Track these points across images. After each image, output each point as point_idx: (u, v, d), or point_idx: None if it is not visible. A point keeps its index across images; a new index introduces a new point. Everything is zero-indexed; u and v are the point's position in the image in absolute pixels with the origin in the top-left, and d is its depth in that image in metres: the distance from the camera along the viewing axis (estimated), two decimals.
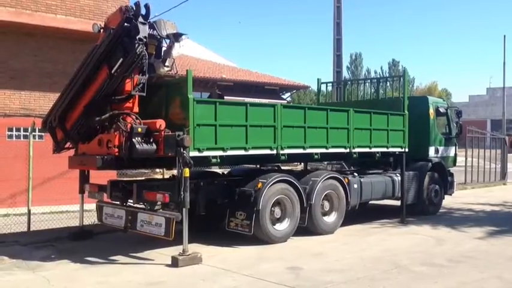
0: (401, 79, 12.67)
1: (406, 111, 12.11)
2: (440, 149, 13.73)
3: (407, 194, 12.25)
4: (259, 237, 9.13)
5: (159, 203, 8.22)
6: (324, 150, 10.22)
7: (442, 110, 13.81)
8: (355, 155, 10.92)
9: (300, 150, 9.80)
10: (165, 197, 7.84)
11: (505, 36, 48.00)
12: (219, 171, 11.96)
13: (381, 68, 76.15)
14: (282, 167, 11.46)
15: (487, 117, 60.75)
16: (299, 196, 9.65)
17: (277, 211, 9.41)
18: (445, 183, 13.67)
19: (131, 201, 8.63)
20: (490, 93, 66.36)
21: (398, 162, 12.28)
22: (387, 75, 66.28)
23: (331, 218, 10.44)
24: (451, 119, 14.18)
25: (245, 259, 8.15)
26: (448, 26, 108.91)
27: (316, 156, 10.17)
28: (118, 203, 8.89)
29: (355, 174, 11.38)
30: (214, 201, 9.29)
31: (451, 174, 14.13)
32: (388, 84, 13.62)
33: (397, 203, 12.30)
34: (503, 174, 23.01)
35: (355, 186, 10.96)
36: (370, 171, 12.11)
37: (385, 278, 7.04)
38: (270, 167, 10.98)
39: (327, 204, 10.37)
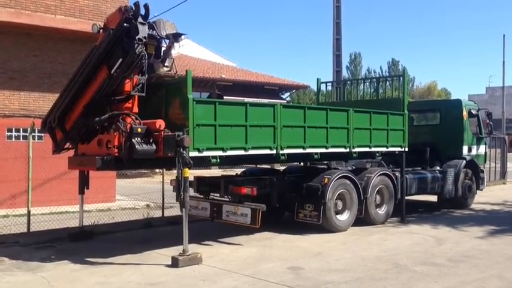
0: (401, 78, 12.66)
1: (406, 111, 12.11)
2: (473, 147, 14.85)
3: (445, 189, 13.49)
4: (325, 227, 10.12)
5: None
6: (323, 150, 10.24)
7: (473, 112, 14.91)
8: (354, 155, 10.97)
9: (300, 150, 9.80)
10: (253, 191, 8.91)
11: (504, 35, 48.09)
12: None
13: (381, 67, 76.30)
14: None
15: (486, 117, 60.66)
16: (357, 190, 10.66)
17: (339, 203, 10.46)
18: (477, 179, 14.70)
19: (213, 194, 9.65)
20: (489, 92, 66.41)
21: (434, 160, 13.77)
22: (387, 74, 66.29)
23: (382, 210, 11.50)
24: (481, 120, 15.25)
25: (245, 259, 8.14)
26: (448, 26, 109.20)
27: (315, 156, 10.19)
28: (202, 196, 9.96)
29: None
30: (282, 195, 10.27)
31: (482, 171, 15.29)
32: (387, 83, 13.64)
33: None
34: (503, 174, 23.00)
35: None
36: (412, 169, 12.78)
37: (385, 278, 7.04)
38: (320, 166, 11.81)
39: (378, 198, 11.41)
